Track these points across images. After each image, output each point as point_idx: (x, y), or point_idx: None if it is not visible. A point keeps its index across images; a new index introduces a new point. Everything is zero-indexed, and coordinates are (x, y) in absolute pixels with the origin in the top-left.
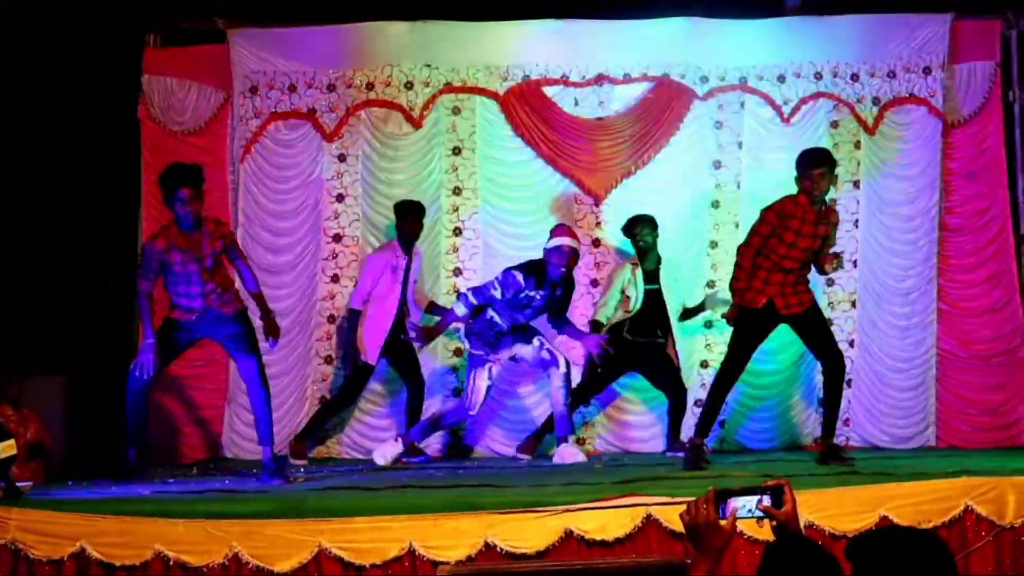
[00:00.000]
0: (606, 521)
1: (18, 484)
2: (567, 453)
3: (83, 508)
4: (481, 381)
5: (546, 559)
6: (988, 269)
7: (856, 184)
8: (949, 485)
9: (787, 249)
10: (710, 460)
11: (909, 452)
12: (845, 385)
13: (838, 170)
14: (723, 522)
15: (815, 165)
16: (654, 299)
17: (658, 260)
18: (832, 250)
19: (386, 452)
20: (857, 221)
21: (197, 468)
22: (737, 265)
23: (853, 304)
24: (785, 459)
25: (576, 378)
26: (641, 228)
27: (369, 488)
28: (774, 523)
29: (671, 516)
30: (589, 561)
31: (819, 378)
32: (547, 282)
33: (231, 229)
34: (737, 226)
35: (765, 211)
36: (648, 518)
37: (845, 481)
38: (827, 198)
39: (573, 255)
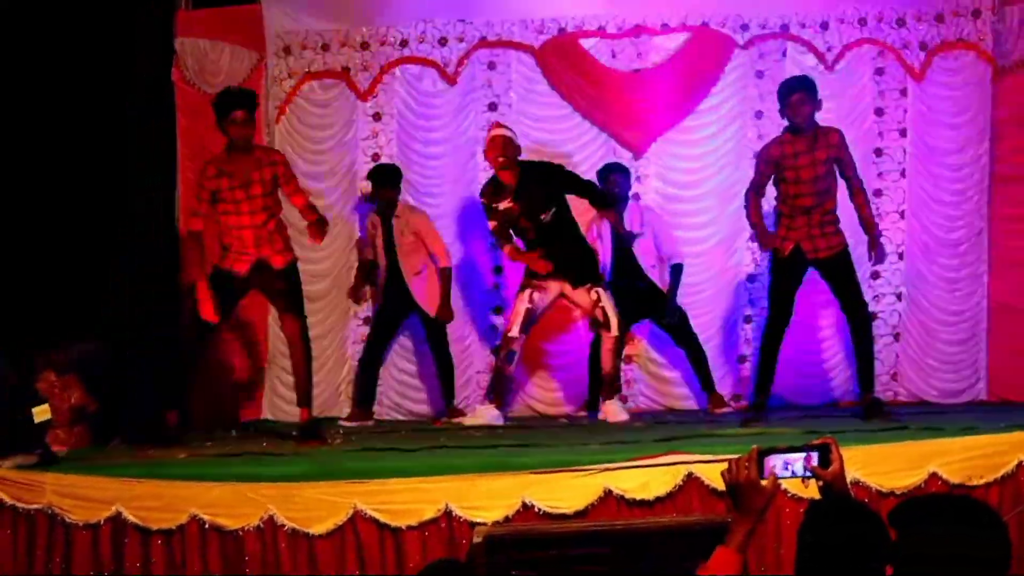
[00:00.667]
0: (646, 480)
1: (53, 449)
2: (611, 411)
3: (118, 472)
4: (520, 303)
5: (585, 519)
6: None
7: (903, 133)
8: (1000, 440)
9: (795, 188)
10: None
11: (959, 407)
12: (893, 339)
13: (884, 118)
14: (764, 482)
15: (790, 92)
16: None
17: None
18: (877, 199)
19: (484, 414)
20: (904, 171)
21: (236, 431)
22: (747, 208)
23: (900, 256)
24: (831, 415)
25: None
26: (616, 175)
27: (405, 449)
28: (820, 483)
29: (712, 474)
30: (629, 521)
31: None
32: (497, 181)
33: (284, 157)
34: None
35: (757, 160)
36: (689, 476)
37: (893, 437)
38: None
39: (506, 144)
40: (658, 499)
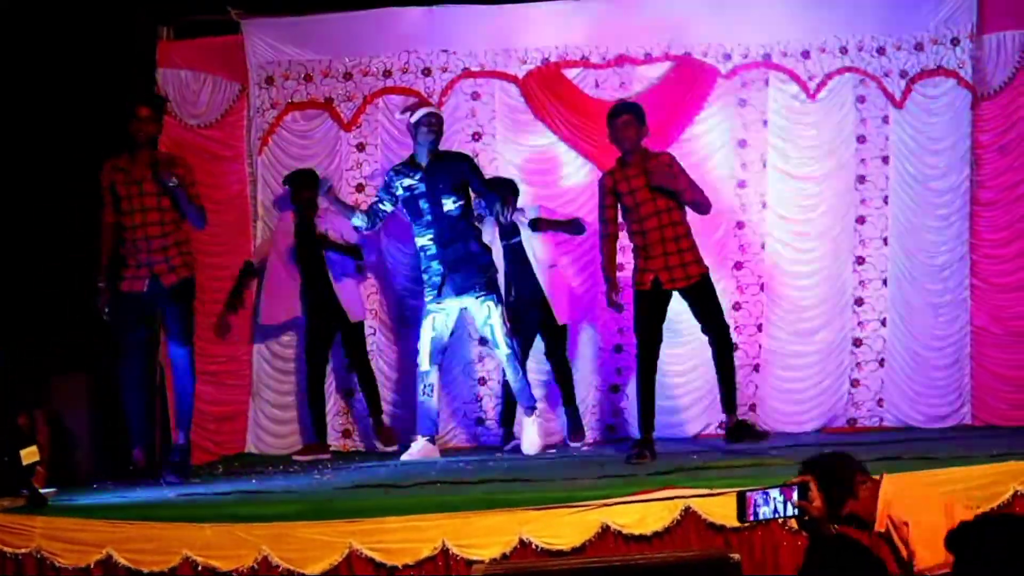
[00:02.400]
0: (643, 515)
1: (42, 491)
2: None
3: (109, 514)
4: (425, 334)
5: (583, 555)
6: (1021, 244)
7: (885, 160)
8: (996, 470)
9: (638, 217)
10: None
11: (945, 432)
12: (878, 364)
13: (866, 145)
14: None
15: (615, 116)
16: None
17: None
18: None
19: (414, 450)
20: (887, 198)
21: (222, 466)
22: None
23: (884, 282)
24: (822, 443)
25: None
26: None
27: (398, 486)
28: (805, 519)
29: (710, 508)
30: (627, 556)
31: (850, 357)
32: (415, 163)
33: (186, 162)
34: (764, 205)
35: (598, 195)
36: (687, 511)
37: (887, 467)
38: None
39: (435, 122)
40: (656, 534)
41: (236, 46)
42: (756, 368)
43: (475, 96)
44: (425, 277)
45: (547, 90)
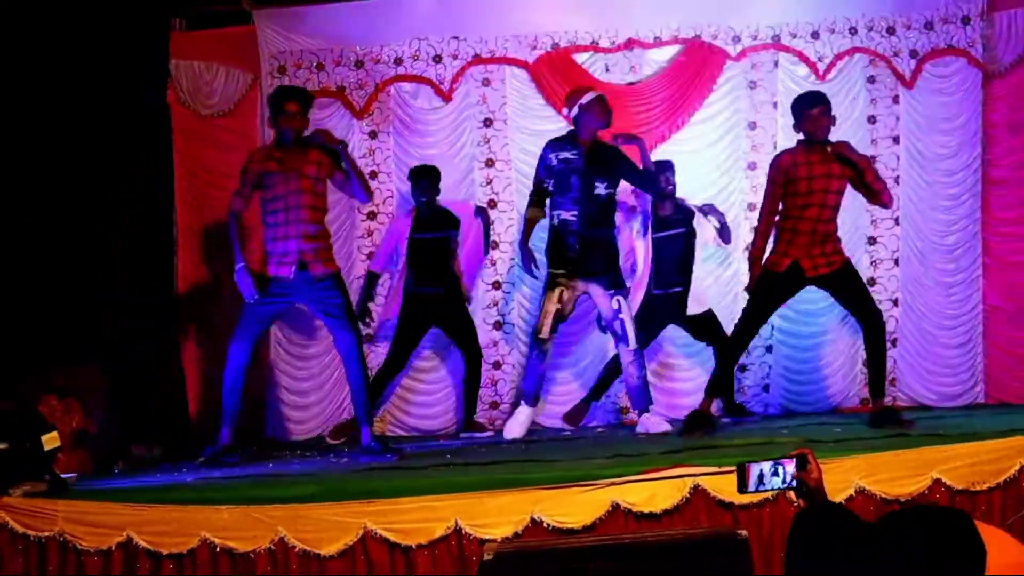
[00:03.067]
0: (653, 493)
1: (63, 476)
2: (650, 423)
3: (129, 498)
4: (549, 304)
5: (594, 533)
6: None
7: (896, 140)
8: (1003, 445)
9: (803, 204)
10: (723, 426)
11: (958, 410)
12: (890, 344)
13: (877, 125)
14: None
15: (811, 105)
16: (675, 244)
17: (676, 206)
18: (868, 208)
19: (520, 419)
20: (898, 178)
21: (240, 453)
22: (755, 229)
23: (896, 262)
24: (833, 423)
25: None
26: (668, 173)
27: (412, 468)
28: (803, 491)
29: (719, 486)
30: (637, 534)
31: (859, 339)
32: (578, 141)
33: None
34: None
35: (769, 170)
36: (696, 488)
37: (895, 444)
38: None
39: (602, 106)
40: (665, 512)
41: (248, 36)
42: (769, 349)
43: (486, 82)
44: (556, 250)
45: (557, 75)
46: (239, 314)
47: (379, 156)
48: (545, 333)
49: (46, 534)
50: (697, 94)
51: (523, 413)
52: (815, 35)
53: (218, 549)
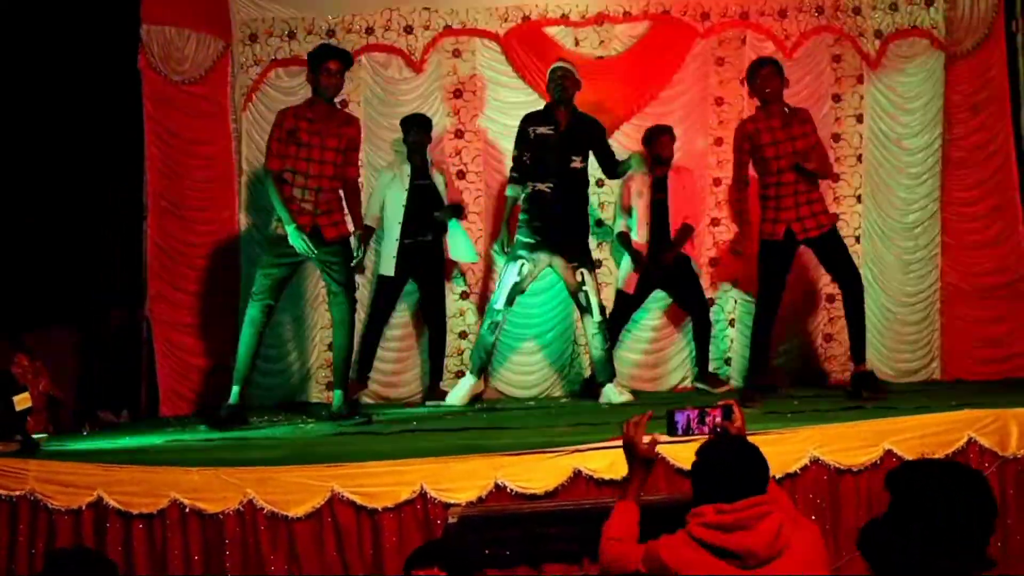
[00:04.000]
0: (614, 460)
1: (33, 436)
2: (612, 393)
3: (99, 458)
4: (508, 276)
5: (556, 499)
6: (990, 202)
7: (859, 119)
8: (952, 418)
9: (776, 165)
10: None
11: (914, 386)
12: None
13: (841, 104)
14: (647, 439)
15: (761, 65)
16: (664, 210)
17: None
18: (834, 183)
19: (462, 389)
20: (861, 156)
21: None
22: (730, 202)
23: (857, 239)
24: (792, 395)
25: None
26: (665, 136)
27: (379, 433)
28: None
29: (677, 453)
30: (598, 500)
31: (823, 313)
32: (553, 115)
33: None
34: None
35: (734, 139)
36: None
37: (849, 416)
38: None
39: (568, 76)
40: (625, 479)
41: (220, 2)
42: (731, 323)
43: (456, 53)
44: (525, 218)
45: (527, 47)
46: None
47: None
48: (500, 304)
49: (17, 493)
50: (665, 69)
51: (467, 384)
52: (782, 13)
53: (187, 510)
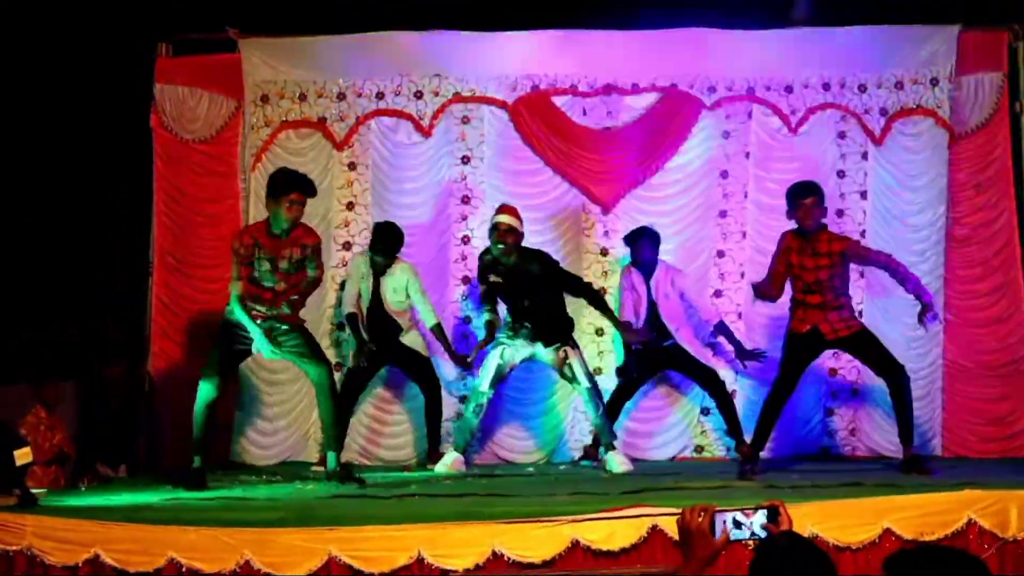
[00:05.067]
0: (612, 531)
1: (32, 491)
2: (615, 462)
3: (97, 515)
4: (492, 360)
5: (553, 568)
6: (994, 280)
7: (863, 195)
8: (952, 498)
9: (804, 286)
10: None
11: None
12: (851, 395)
13: (845, 180)
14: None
15: (804, 195)
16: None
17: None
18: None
19: (446, 462)
20: (864, 232)
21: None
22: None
23: (860, 315)
24: (792, 468)
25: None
26: (644, 239)
27: (378, 496)
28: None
29: (676, 527)
30: (595, 571)
31: (825, 387)
32: (500, 263)
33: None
34: (744, 235)
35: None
36: (654, 528)
37: (849, 493)
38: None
39: (508, 232)
40: (623, 550)
41: (233, 64)
42: (732, 394)
43: (465, 120)
44: (505, 320)
45: (536, 116)
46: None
47: (357, 188)
48: (485, 387)
49: (14, 548)
50: (672, 141)
51: (450, 458)
52: (789, 89)
53: (184, 569)
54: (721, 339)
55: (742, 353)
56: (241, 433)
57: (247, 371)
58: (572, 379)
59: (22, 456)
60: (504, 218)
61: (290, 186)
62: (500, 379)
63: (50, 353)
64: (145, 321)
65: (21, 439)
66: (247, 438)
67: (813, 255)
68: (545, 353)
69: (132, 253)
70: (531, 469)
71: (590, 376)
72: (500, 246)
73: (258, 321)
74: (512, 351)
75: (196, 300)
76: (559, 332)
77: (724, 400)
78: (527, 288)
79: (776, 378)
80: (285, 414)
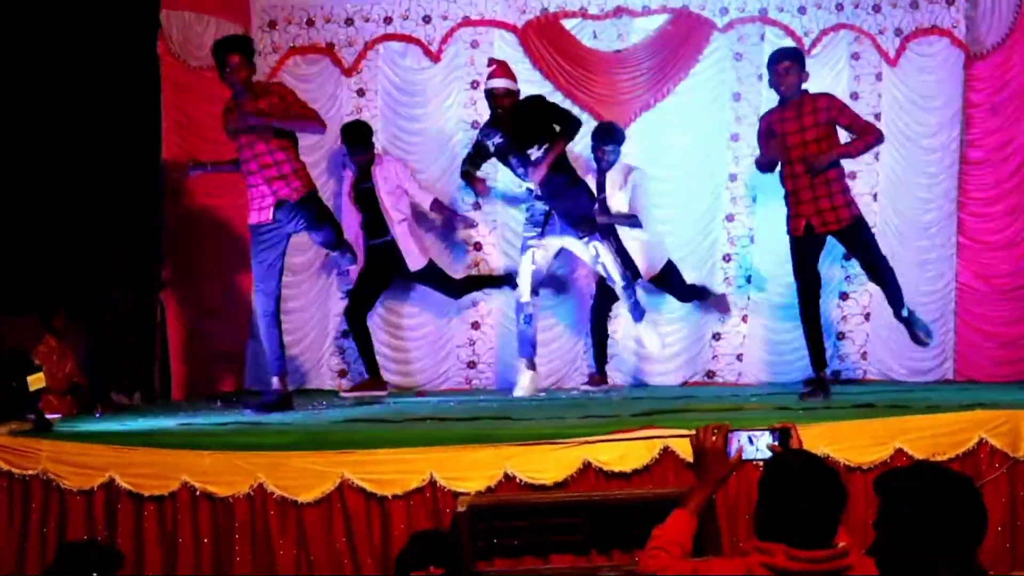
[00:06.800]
0: (624, 453)
1: (47, 416)
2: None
3: (112, 440)
4: (525, 267)
5: (564, 490)
6: (1008, 202)
7: (877, 117)
8: (963, 418)
9: (789, 159)
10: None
11: (927, 385)
12: (863, 318)
13: (859, 102)
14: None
15: (777, 61)
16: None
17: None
18: (851, 181)
19: (524, 383)
20: (878, 154)
21: (220, 401)
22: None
23: (875, 197)
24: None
25: None
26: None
27: (390, 420)
28: None
29: (687, 448)
30: (607, 492)
31: (836, 311)
32: (498, 123)
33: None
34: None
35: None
36: (665, 450)
37: (861, 415)
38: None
39: (506, 95)
40: (635, 471)
41: None
42: (744, 319)
43: (474, 44)
44: (527, 215)
45: (545, 40)
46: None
47: (366, 114)
48: (526, 296)
49: (30, 472)
50: (683, 64)
51: (525, 377)
52: (802, 10)
53: (198, 493)
54: None
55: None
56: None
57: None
58: (607, 277)
59: (35, 381)
60: (499, 82)
61: (223, 50)
62: (539, 283)
63: (57, 281)
64: (153, 256)
65: (35, 365)
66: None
67: (798, 118)
68: (574, 246)
69: (140, 184)
70: (542, 394)
71: (624, 272)
72: (500, 111)
73: None
74: (542, 252)
75: (205, 228)
76: (583, 217)
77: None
78: (529, 146)
79: (797, 286)
80: (298, 342)
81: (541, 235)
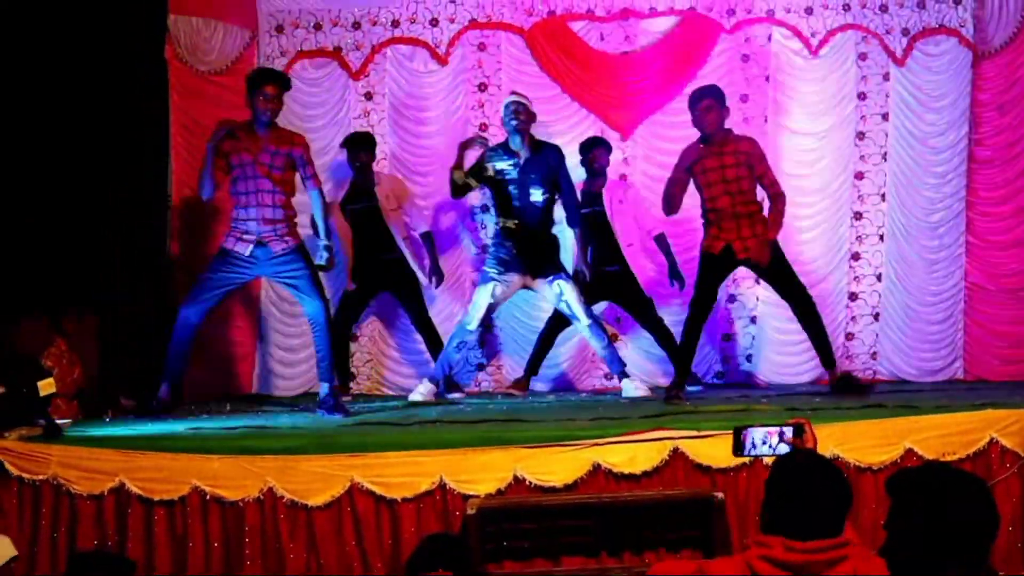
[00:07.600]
0: (633, 454)
1: (57, 421)
2: (628, 388)
3: (122, 444)
4: (482, 298)
5: (574, 492)
6: (1017, 202)
7: (885, 117)
8: (974, 417)
9: (711, 195)
10: (687, 398)
11: (936, 385)
12: (872, 319)
13: (866, 102)
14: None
15: (697, 101)
16: (603, 220)
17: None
18: (859, 181)
19: (421, 391)
20: (886, 154)
21: (229, 404)
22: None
23: (881, 238)
24: (811, 392)
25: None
26: (598, 149)
27: (400, 424)
28: None
29: (697, 449)
30: (616, 494)
31: (845, 311)
32: (513, 150)
33: (305, 140)
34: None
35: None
36: (675, 452)
37: (871, 415)
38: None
39: (521, 109)
40: (645, 473)
41: None
42: (753, 320)
43: (481, 47)
44: (493, 249)
45: (552, 42)
46: None
47: (374, 118)
48: (473, 325)
49: (40, 477)
50: (691, 66)
51: (425, 387)
52: (809, 10)
53: (208, 497)
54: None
55: (673, 271)
56: (263, 364)
57: (268, 301)
58: (570, 316)
59: (46, 387)
60: (514, 96)
61: (264, 79)
62: (489, 317)
63: (64, 284)
64: (164, 256)
65: (45, 370)
66: (268, 370)
67: (719, 155)
68: (538, 286)
69: (149, 187)
70: (552, 396)
71: (588, 311)
72: (515, 122)
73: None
74: (503, 288)
75: (214, 232)
76: (549, 260)
77: (661, 332)
78: (534, 186)
79: (692, 299)
80: (307, 346)
81: (505, 272)
